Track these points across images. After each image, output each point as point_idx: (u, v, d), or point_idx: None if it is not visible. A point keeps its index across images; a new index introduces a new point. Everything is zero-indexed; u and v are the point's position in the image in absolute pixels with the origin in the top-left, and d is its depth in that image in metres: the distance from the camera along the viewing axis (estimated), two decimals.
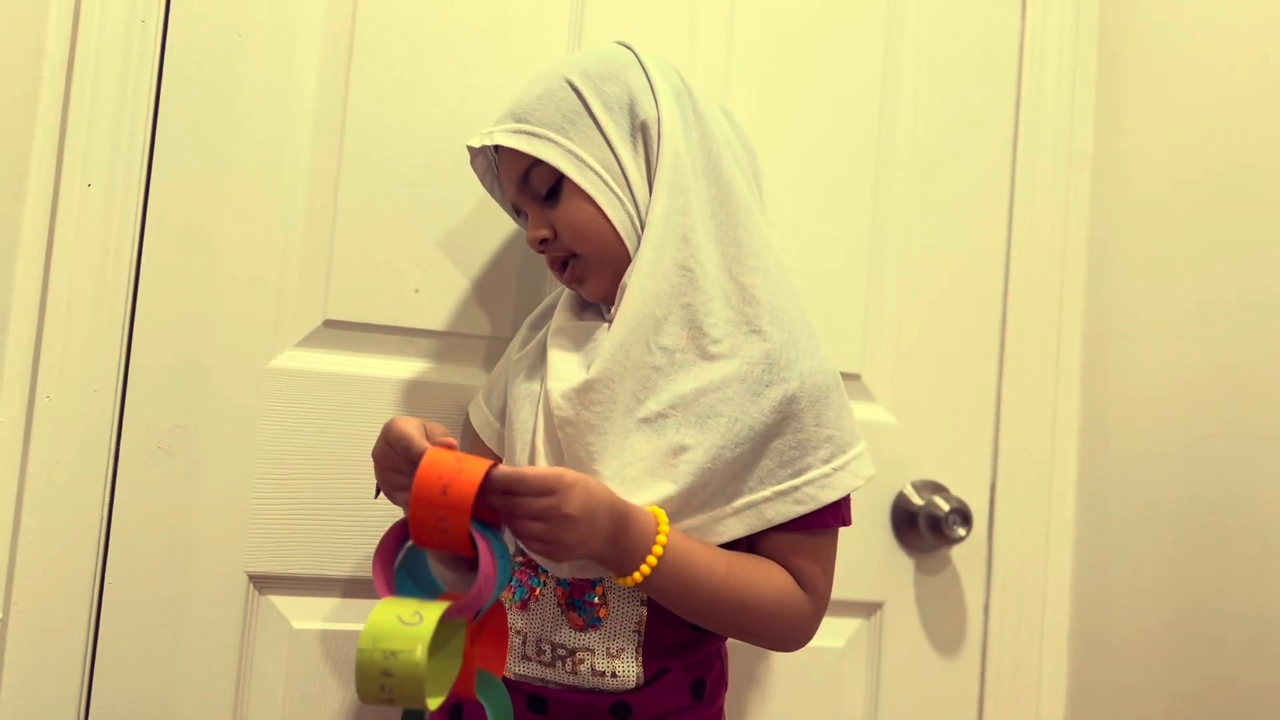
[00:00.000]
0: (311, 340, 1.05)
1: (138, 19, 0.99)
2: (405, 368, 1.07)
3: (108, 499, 0.98)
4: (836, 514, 0.90)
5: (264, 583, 1.02)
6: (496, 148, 0.96)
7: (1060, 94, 1.34)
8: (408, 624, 0.69)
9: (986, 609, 1.28)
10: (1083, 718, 1.28)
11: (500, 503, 0.76)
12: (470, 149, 0.96)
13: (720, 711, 0.96)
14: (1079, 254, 1.34)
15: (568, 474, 0.77)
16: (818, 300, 1.20)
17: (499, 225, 1.10)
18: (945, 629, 1.27)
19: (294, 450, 1.03)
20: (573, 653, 0.87)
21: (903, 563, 1.25)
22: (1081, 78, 1.35)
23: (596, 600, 0.87)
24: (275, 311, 1.04)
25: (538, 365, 0.94)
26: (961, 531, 1.20)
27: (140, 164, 0.99)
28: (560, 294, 1.00)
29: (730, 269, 0.90)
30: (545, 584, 0.89)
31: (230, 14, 1.03)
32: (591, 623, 0.87)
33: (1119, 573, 1.26)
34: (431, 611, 0.70)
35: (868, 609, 1.23)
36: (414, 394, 1.07)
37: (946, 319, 1.29)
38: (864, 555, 1.22)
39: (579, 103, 0.89)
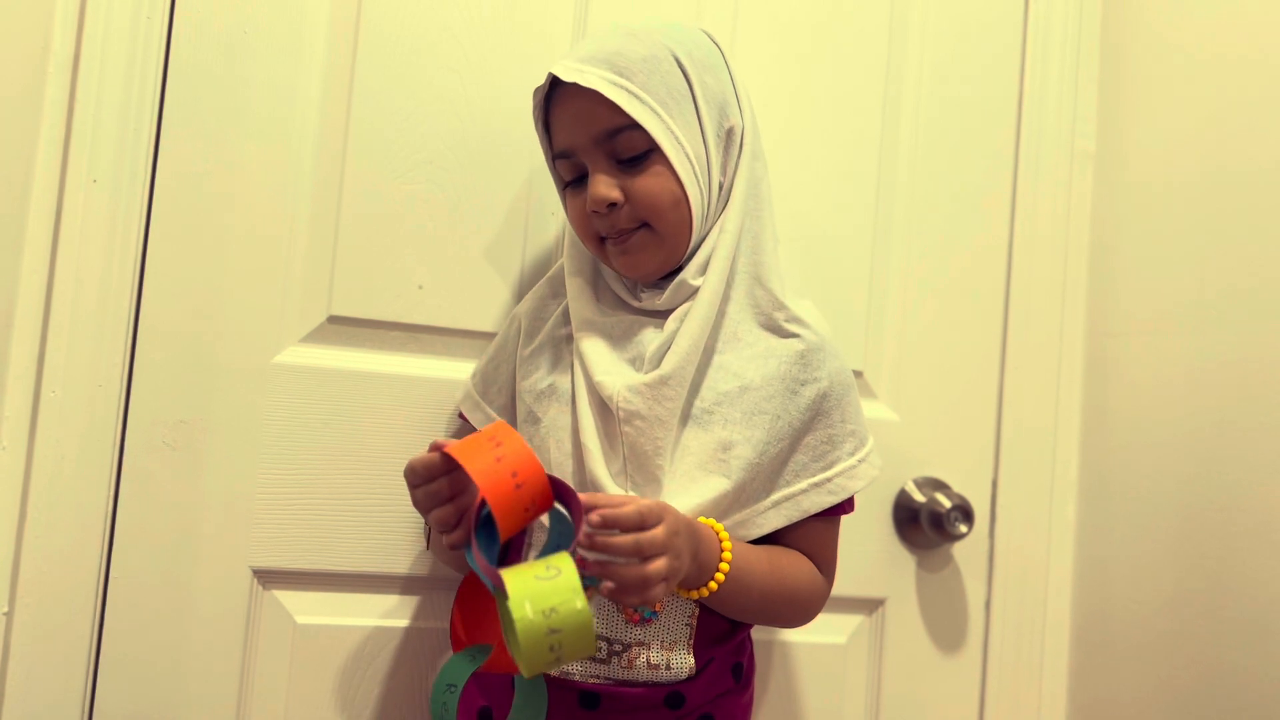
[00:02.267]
0: (316, 336, 1.05)
1: (143, 15, 0.99)
2: (409, 364, 1.07)
3: (113, 494, 0.98)
4: (850, 502, 0.95)
5: (268, 578, 1.03)
6: (555, 81, 0.91)
7: (1063, 91, 1.34)
8: (547, 578, 0.68)
9: (988, 606, 1.29)
10: (1084, 714, 1.29)
11: (587, 547, 0.77)
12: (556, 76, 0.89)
13: (753, 693, 0.99)
14: (1081, 251, 1.34)
15: (655, 506, 0.78)
16: (820, 298, 1.20)
17: (503, 221, 1.11)
18: (947, 625, 1.27)
19: (298, 446, 1.03)
20: (628, 648, 0.88)
21: (904, 559, 1.25)
22: (1084, 75, 1.35)
23: None
24: (280, 307, 1.04)
25: (560, 360, 0.94)
26: (963, 528, 1.20)
27: (145, 160, 0.99)
28: (554, 283, 1.00)
29: (760, 275, 0.93)
30: (600, 582, 0.89)
31: (236, 11, 1.03)
32: (648, 617, 0.89)
33: (1121, 570, 1.26)
34: (560, 560, 0.69)
35: (869, 605, 1.24)
36: (418, 390, 1.07)
37: (948, 316, 1.29)
38: (866, 552, 1.22)
39: (685, 85, 0.89)
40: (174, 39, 1.01)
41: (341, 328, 1.06)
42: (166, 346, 1.00)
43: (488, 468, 0.72)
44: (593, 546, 0.76)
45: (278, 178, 1.04)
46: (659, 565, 0.77)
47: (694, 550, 0.82)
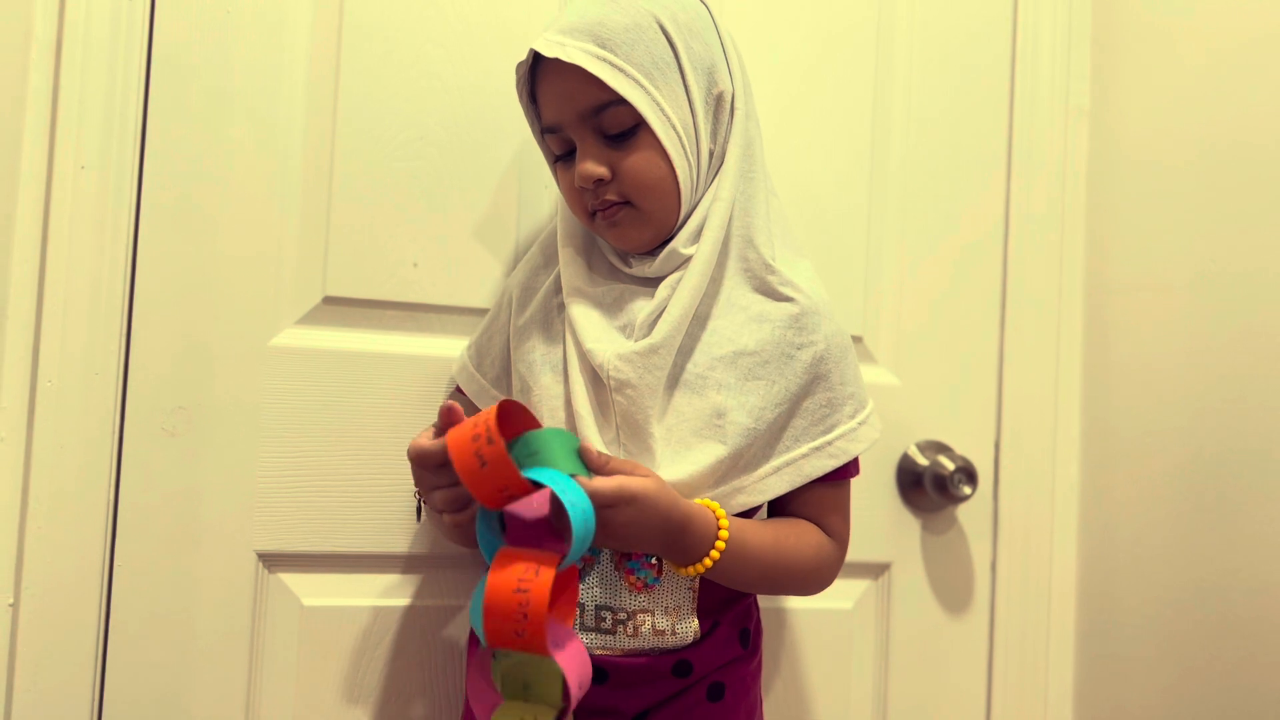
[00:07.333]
0: (311, 317, 1.05)
1: None
2: (405, 342, 1.07)
3: (114, 483, 0.98)
4: (855, 465, 0.95)
5: (273, 561, 1.03)
6: (538, 55, 0.89)
7: (1055, 48, 1.33)
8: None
9: (993, 567, 1.29)
10: (1091, 673, 1.29)
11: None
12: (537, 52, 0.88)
13: (761, 659, 0.99)
14: (1078, 209, 1.33)
15: (627, 489, 0.78)
16: (818, 263, 1.19)
17: (496, 196, 1.10)
18: (953, 588, 1.27)
19: (297, 428, 1.03)
20: (633, 615, 0.89)
21: (909, 523, 1.25)
22: (1077, 32, 1.34)
23: (654, 560, 0.89)
24: (274, 290, 1.03)
25: (552, 329, 0.94)
26: (967, 490, 1.20)
27: (133, 145, 0.99)
28: (546, 253, 1.00)
29: (755, 238, 0.92)
30: (601, 551, 0.89)
31: None
32: (650, 583, 0.89)
33: (1125, 527, 1.26)
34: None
35: (875, 570, 1.24)
36: (415, 369, 1.07)
37: (947, 279, 1.28)
38: (871, 516, 1.22)
39: (670, 53, 0.87)
40: (156, 21, 1.00)
41: (337, 308, 1.06)
42: (162, 333, 1.00)
43: (463, 448, 0.73)
44: None
45: (267, 158, 1.03)
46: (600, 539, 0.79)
47: (673, 532, 0.82)
